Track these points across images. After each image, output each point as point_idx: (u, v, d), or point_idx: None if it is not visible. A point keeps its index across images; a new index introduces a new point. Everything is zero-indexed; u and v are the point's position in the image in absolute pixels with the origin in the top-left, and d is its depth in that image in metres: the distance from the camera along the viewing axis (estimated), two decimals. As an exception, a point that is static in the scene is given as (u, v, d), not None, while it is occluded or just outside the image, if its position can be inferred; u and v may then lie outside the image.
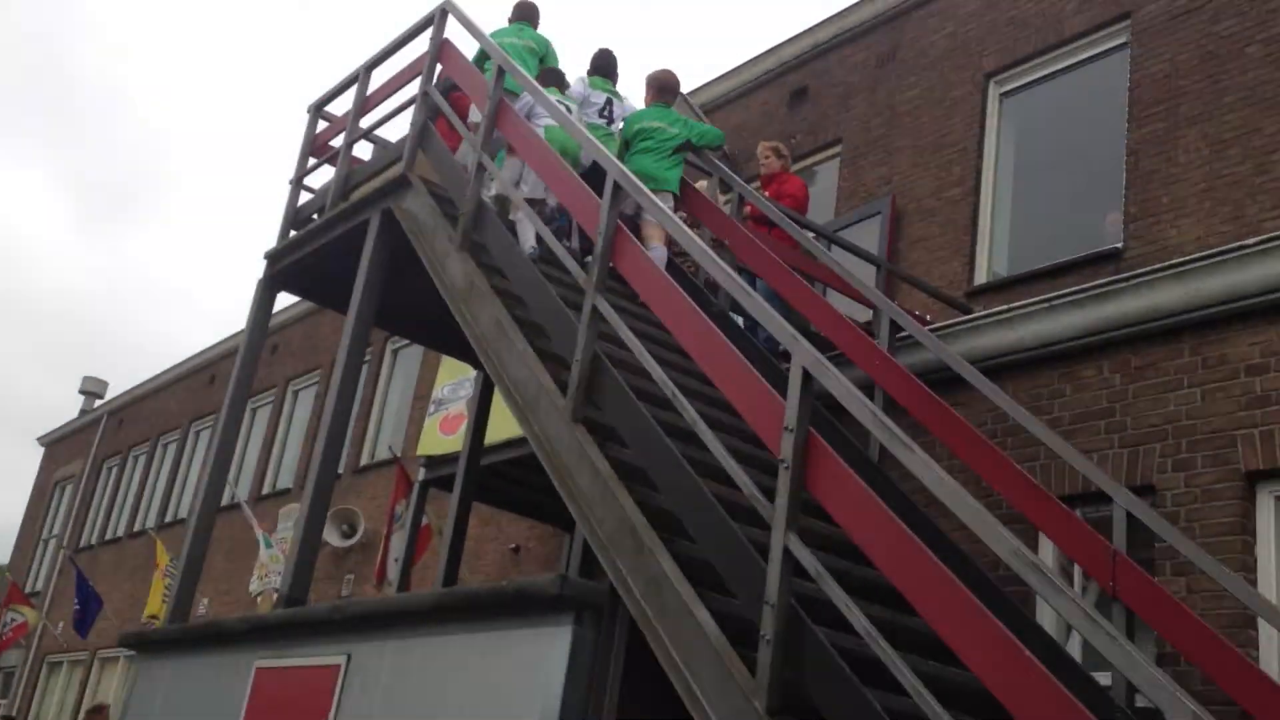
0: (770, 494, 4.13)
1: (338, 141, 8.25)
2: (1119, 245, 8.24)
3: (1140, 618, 4.62)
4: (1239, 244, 5.19)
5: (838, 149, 11.34)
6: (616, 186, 5.25)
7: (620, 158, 7.58)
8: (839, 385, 3.91)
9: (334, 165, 8.05)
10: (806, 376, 3.97)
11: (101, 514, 24.54)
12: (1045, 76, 9.71)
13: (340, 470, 16.73)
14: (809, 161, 11.53)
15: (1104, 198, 8.78)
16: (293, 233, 8.24)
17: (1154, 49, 8.70)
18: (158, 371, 24.51)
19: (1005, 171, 9.83)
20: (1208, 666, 4.31)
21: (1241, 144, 7.77)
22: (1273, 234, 5.11)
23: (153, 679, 7.29)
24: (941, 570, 3.46)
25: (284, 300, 22.92)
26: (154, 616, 17.24)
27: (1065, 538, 5.00)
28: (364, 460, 16.76)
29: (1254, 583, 4.93)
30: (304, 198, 8.51)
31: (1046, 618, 5.67)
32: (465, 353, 8.74)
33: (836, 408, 5.32)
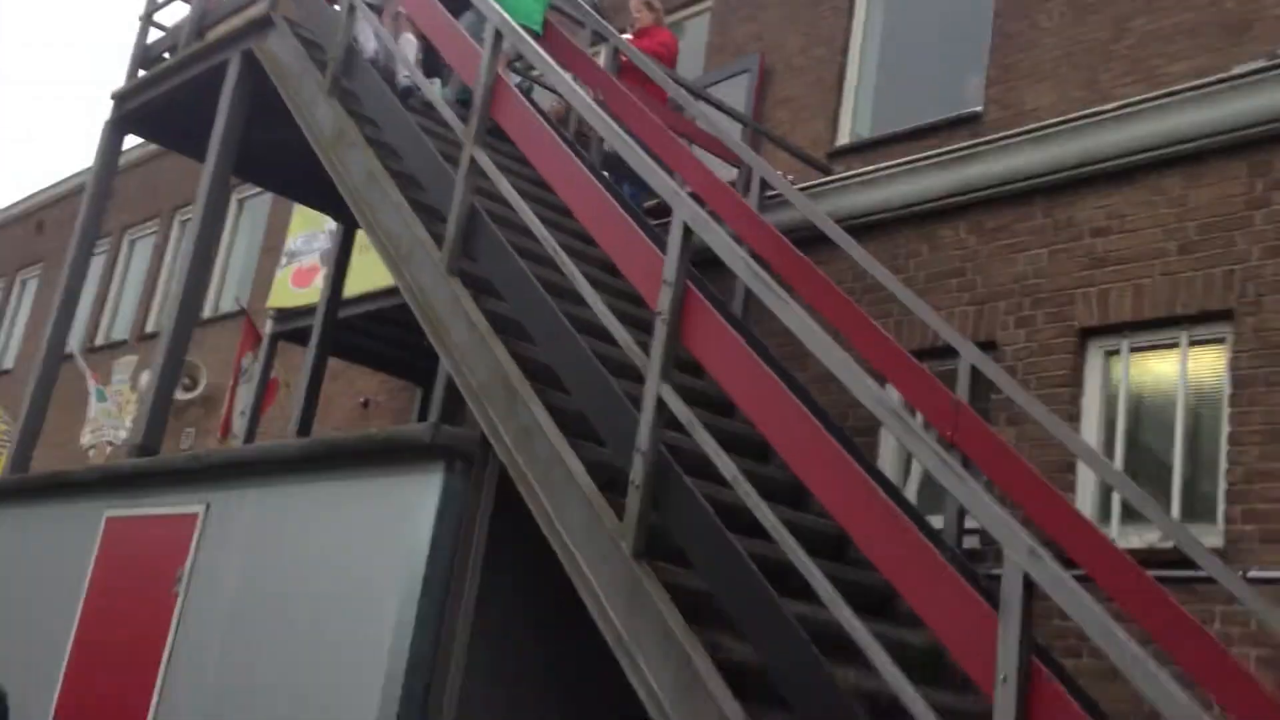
0: (646, 348, 4.24)
1: (189, -25, 7.79)
2: (978, 109, 8.46)
3: (975, 464, 4.95)
4: (1097, 109, 5.42)
5: (708, 3, 11.23)
6: (499, 35, 5.15)
7: None
8: (718, 240, 4.00)
9: (187, 1, 7.62)
10: (687, 231, 4.04)
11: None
12: (916, -65, 9.73)
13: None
14: (679, 15, 11.37)
15: (969, 61, 8.95)
16: (142, 72, 7.81)
17: (1023, -88, 8.79)
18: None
19: (874, 32, 9.90)
20: (1031, 509, 4.67)
21: (1103, 10, 7.98)
22: (1128, 99, 5.35)
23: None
24: (810, 420, 3.64)
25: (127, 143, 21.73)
26: None
27: (912, 388, 5.28)
28: (207, 312, 16.25)
29: (1078, 431, 5.31)
30: (153, 36, 8.05)
31: (886, 465, 6.02)
32: (327, 204, 8.55)
33: (704, 264, 5.48)
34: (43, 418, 7.44)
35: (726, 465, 3.81)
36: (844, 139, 9.50)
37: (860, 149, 9.21)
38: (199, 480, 5.49)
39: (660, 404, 3.97)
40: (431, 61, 7.27)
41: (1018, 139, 5.67)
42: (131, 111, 7.72)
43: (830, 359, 3.55)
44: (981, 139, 5.87)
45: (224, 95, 6.80)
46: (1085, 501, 5.25)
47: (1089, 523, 4.74)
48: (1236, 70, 5.96)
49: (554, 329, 4.69)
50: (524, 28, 6.93)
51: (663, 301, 4.05)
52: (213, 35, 7.38)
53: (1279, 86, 4.95)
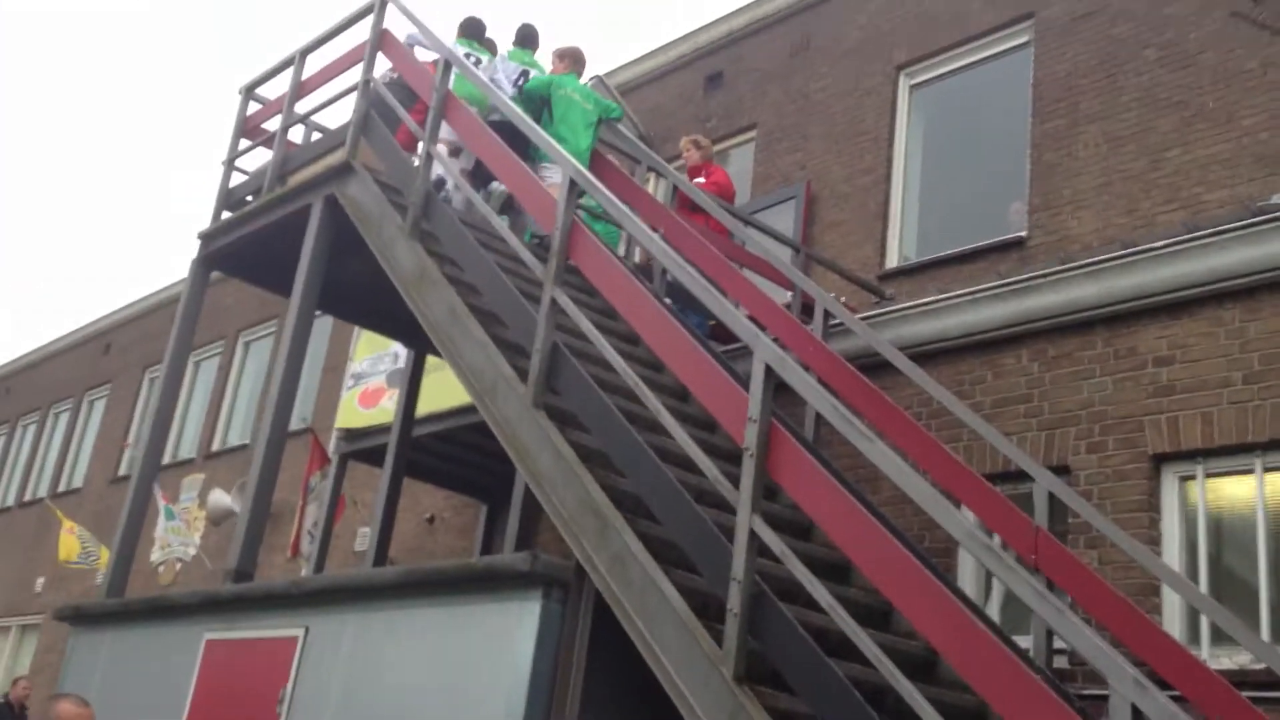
0: (730, 478, 4.47)
1: (271, 125, 8.28)
2: (1023, 234, 8.76)
3: (1059, 586, 5.10)
4: (1147, 246, 5.67)
5: (753, 134, 11.69)
6: (573, 184, 5.49)
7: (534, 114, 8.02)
8: (800, 380, 4.24)
9: (269, 148, 8.09)
10: (769, 371, 4.29)
11: (-10, 482, 23.88)
12: (954, 70, 10.18)
13: (247, 441, 16.67)
14: (724, 145, 11.85)
15: (1008, 188, 9.29)
16: (226, 214, 8.26)
17: (1056, 48, 9.22)
18: (49, 339, 23.92)
19: (914, 160, 10.30)
20: (1119, 631, 4.79)
21: (1137, 141, 8.33)
22: (1177, 237, 5.60)
23: (91, 652, 7.34)
24: (898, 548, 3.84)
25: (179, 271, 22.35)
26: (69, 561, 16.98)
27: (989, 513, 5.45)
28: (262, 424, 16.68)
29: (1159, 554, 5.45)
30: (235, 178, 8.52)
31: (966, 585, 6.15)
32: (401, 332, 8.91)
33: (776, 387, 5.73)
34: (137, 539, 7.70)
35: (822, 594, 3.99)
36: (892, 262, 9.81)
37: (909, 272, 9.52)
38: (298, 604, 5.71)
39: (753, 535, 4.18)
40: (479, 173, 7.70)
41: (1071, 273, 5.93)
42: (217, 250, 8.14)
43: (918, 493, 3.76)
44: (1036, 272, 6.13)
45: (308, 237, 7.18)
46: (1173, 624, 5.37)
47: (1179, 644, 4.84)
48: (1275, 199, 6.23)
49: (640, 460, 4.92)
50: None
51: (749, 438, 4.28)
52: (294, 179, 7.81)
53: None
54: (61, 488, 21.04)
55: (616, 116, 8.83)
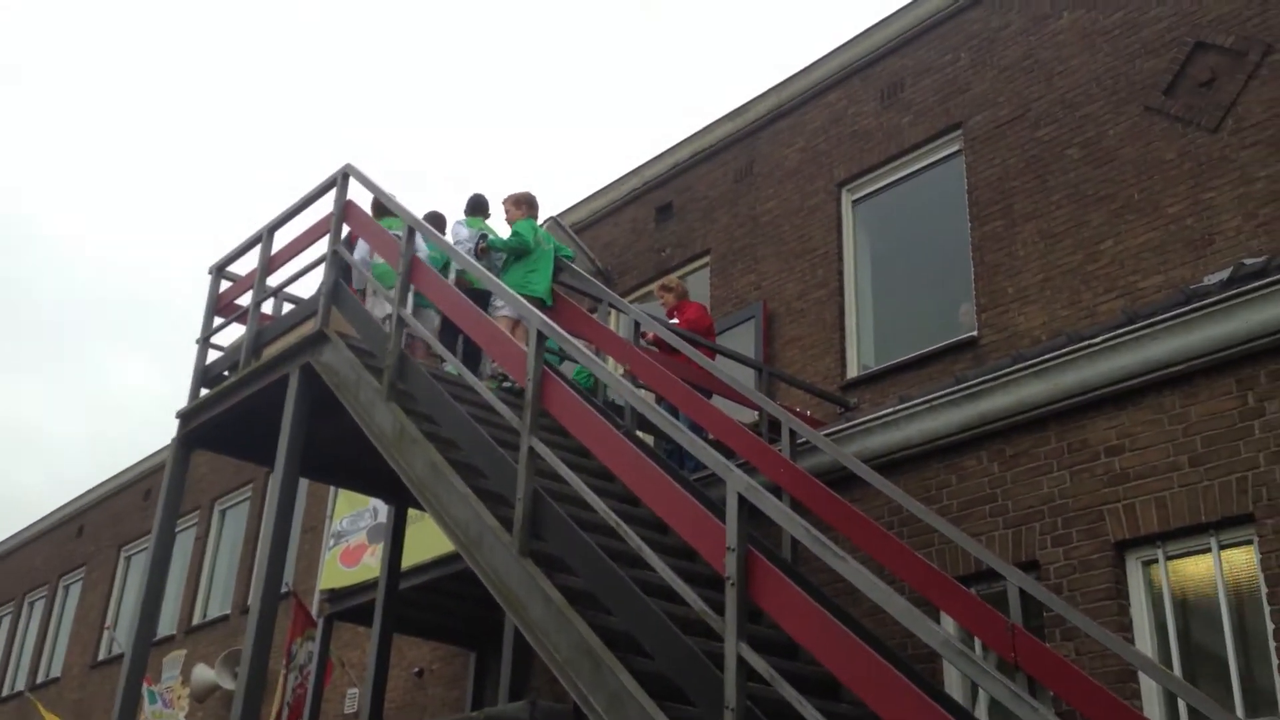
0: (712, 605, 4.64)
1: (243, 300, 8.54)
2: (974, 334, 9.11)
3: (1040, 683, 5.25)
4: (1087, 342, 5.97)
5: (706, 259, 12.10)
6: (540, 335, 5.75)
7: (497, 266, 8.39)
8: (773, 507, 4.45)
9: (242, 323, 8.33)
10: (742, 501, 4.50)
11: (-36, 679, 23.36)
12: (892, 183, 10.65)
13: (227, 611, 16.54)
14: (681, 272, 12.22)
15: (955, 290, 9.68)
16: (203, 391, 8.46)
17: (985, 155, 9.71)
18: (17, 528, 23.67)
19: (864, 270, 10.68)
20: (1103, 720, 4.94)
21: (1072, 236, 8.74)
22: (1112, 332, 5.91)
23: None
24: (880, 663, 4.00)
25: (154, 444, 22.33)
26: None
27: (966, 616, 5.62)
28: (252, 598, 16.58)
29: (1131, 640, 5.62)
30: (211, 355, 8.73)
31: (953, 688, 6.27)
32: (385, 491, 9.05)
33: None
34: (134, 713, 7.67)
35: (811, 714, 4.13)
36: (853, 371, 10.11)
37: (870, 380, 9.82)
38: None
39: (742, 661, 4.33)
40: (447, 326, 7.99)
41: (1020, 373, 6.22)
42: (197, 428, 8.31)
43: (894, 607, 3.94)
44: (986, 376, 6.41)
45: (287, 406, 7.37)
46: (1152, 707, 5.50)
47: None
48: (1207, 280, 6.58)
49: (626, 597, 5.08)
50: (531, 299, 7.73)
51: (729, 567, 4.46)
52: (269, 351, 8.04)
53: (1249, 309, 5.51)
54: (40, 678, 20.65)
55: (568, 256, 9.22)
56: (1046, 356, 6.03)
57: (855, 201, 10.93)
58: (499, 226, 9.24)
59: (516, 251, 8.59)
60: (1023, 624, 5.49)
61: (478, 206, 9.42)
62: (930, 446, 6.66)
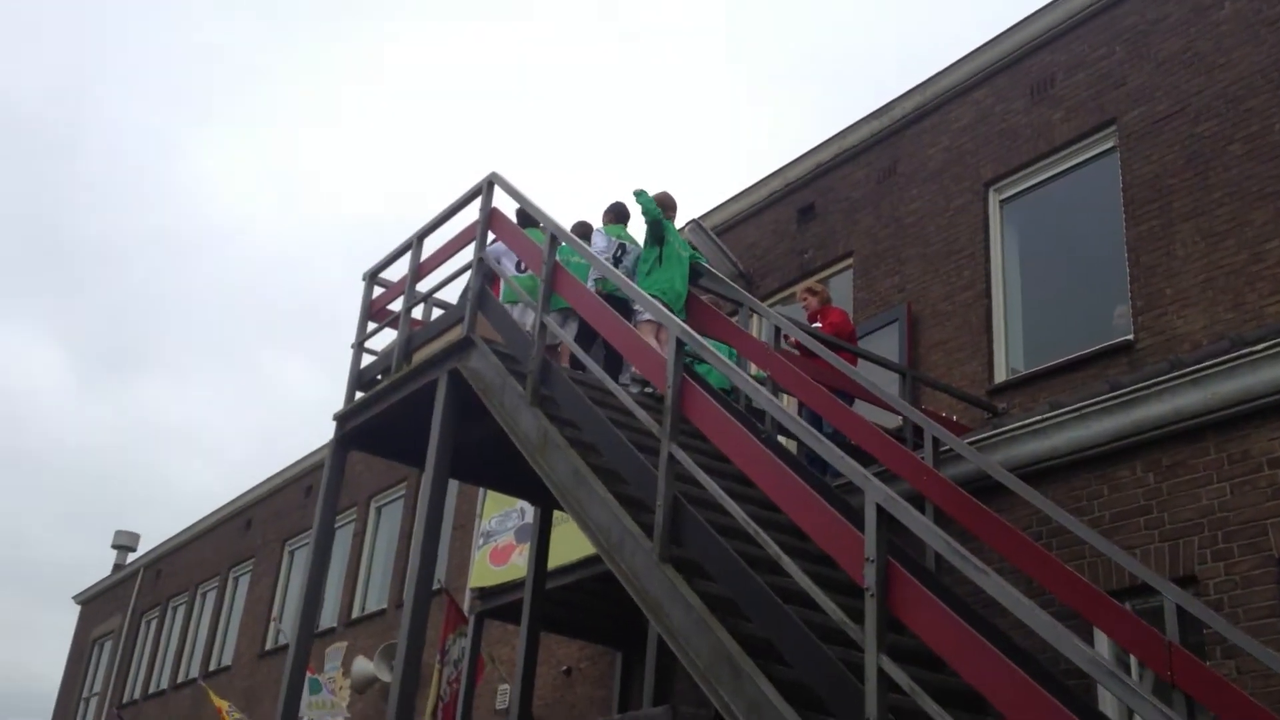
0: (851, 614, 4.61)
1: (394, 306, 8.84)
2: (1129, 337, 8.79)
3: (1199, 702, 5.05)
4: (1249, 349, 5.71)
5: (849, 261, 11.96)
6: (680, 343, 5.81)
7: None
8: (912, 519, 4.40)
9: (394, 329, 8.63)
10: (881, 511, 4.46)
11: (144, 667, 24.71)
12: (1041, 182, 10.36)
13: (384, 606, 17.11)
14: (823, 275, 12.13)
15: (1110, 291, 9.36)
16: (359, 394, 8.79)
17: (1141, 152, 9.36)
18: (191, 522, 24.92)
19: (1013, 272, 10.42)
20: (1266, 742, 4.73)
21: (1235, 235, 8.37)
22: (1276, 339, 5.64)
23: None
24: (1024, 679, 3.92)
25: (314, 442, 23.30)
26: None
27: (1119, 631, 5.45)
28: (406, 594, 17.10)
29: (1297, 660, 5.36)
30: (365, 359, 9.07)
31: (1108, 706, 6.07)
32: (529, 493, 9.25)
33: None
34: (296, 714, 8.02)
35: (952, 729, 4.07)
36: (1001, 376, 9.87)
37: (1018, 384, 9.57)
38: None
39: (882, 673, 4.30)
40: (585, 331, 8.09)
41: (1176, 381, 5.99)
42: (352, 430, 8.65)
43: (1036, 621, 3.85)
44: (1141, 384, 6.19)
45: (436, 410, 7.62)
46: (1316, 730, 5.24)
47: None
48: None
49: (766, 605, 5.09)
50: (665, 304, 7.76)
51: (869, 578, 4.43)
52: (419, 356, 8.31)
53: None
54: (213, 666, 21.69)
55: (699, 260, 9.24)
56: (1206, 363, 5.79)
57: (1003, 201, 10.67)
58: (639, 234, 9.33)
59: (651, 229, 8.58)
60: (1180, 641, 5.30)
61: (619, 215, 9.51)
62: (1081, 456, 6.47)
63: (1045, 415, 6.60)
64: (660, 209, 8.81)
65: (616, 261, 8.73)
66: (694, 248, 9.56)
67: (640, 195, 8.63)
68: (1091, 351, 9.03)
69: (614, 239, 9.01)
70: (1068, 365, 9.16)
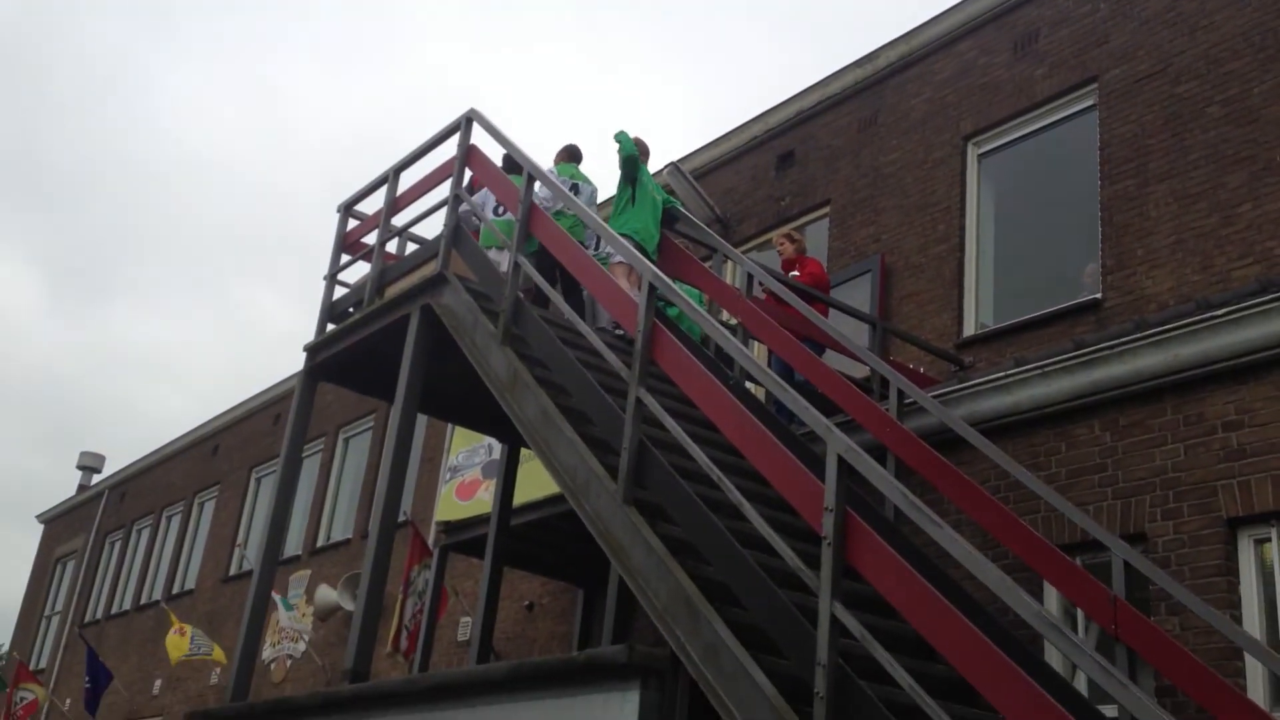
0: (809, 560, 4.70)
1: (369, 239, 8.80)
2: (1098, 296, 8.88)
3: (1140, 656, 5.20)
4: (1211, 313, 5.80)
5: (826, 209, 11.97)
6: (652, 287, 5.83)
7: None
8: (871, 470, 4.48)
9: (367, 261, 8.60)
10: (841, 462, 4.54)
11: (106, 588, 24.78)
12: (1020, 138, 10.37)
13: (349, 535, 17.21)
14: (799, 222, 12.14)
15: (1081, 250, 9.43)
16: (330, 326, 8.77)
17: (1120, 111, 9.38)
18: (158, 445, 24.86)
19: (987, 227, 10.47)
20: (1202, 699, 4.87)
21: (1208, 198, 8.43)
22: (1239, 304, 5.73)
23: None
24: (971, 630, 4.02)
25: (285, 369, 23.20)
26: (182, 658, 17.54)
27: (1068, 585, 5.58)
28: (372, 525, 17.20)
29: (1239, 619, 5.51)
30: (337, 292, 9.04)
31: (1054, 657, 6.23)
32: (498, 430, 9.30)
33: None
34: (259, 640, 8.10)
35: (901, 675, 4.18)
36: (970, 330, 9.95)
37: (986, 339, 9.66)
38: (413, 702, 6.03)
39: (834, 620, 4.40)
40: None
41: (1138, 342, 6.07)
42: (323, 361, 8.65)
43: (985, 574, 3.95)
44: (1104, 344, 6.27)
45: (407, 345, 7.62)
46: (1256, 688, 5.41)
47: (1264, 711, 4.90)
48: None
49: (725, 549, 5.18)
50: (637, 245, 7.77)
51: (826, 527, 4.51)
52: (392, 291, 8.29)
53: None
54: (176, 589, 21.79)
55: (674, 205, 9.25)
56: (1169, 325, 5.88)
57: (981, 155, 10.68)
58: (593, 176, 9.39)
59: (625, 168, 8.60)
60: (1126, 597, 5.43)
61: (571, 155, 9.62)
62: (1040, 413, 6.57)
63: (1009, 371, 6.69)
64: (645, 154, 8.82)
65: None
66: (671, 193, 9.56)
67: (620, 135, 8.61)
68: (1059, 309, 9.11)
69: (567, 179, 9.05)
70: (1035, 322, 9.24)
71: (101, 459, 28.71)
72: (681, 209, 9.27)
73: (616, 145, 8.57)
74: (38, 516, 30.19)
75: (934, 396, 6.89)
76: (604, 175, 9.75)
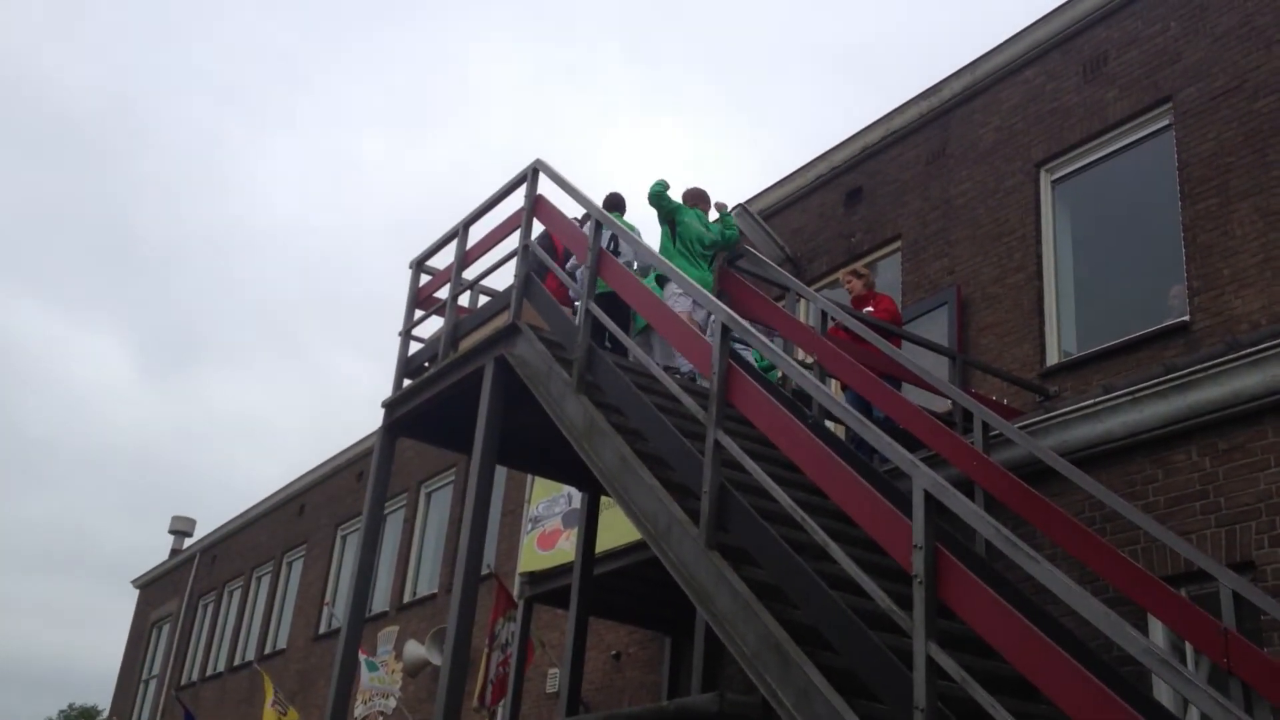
0: (899, 600, 4.57)
1: (441, 293, 8.87)
2: (1186, 318, 8.63)
3: (1256, 690, 4.95)
4: (1308, 332, 5.59)
5: (897, 244, 11.84)
6: (726, 329, 5.77)
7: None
8: (960, 504, 4.35)
9: (440, 316, 8.66)
10: (929, 497, 4.41)
11: (201, 650, 25.13)
12: (1094, 161, 10.18)
13: (434, 590, 17.25)
14: (871, 258, 12.02)
15: (1164, 273, 9.19)
16: (406, 381, 8.84)
17: (1198, 129, 9.16)
18: (246, 507, 25.24)
19: (1065, 253, 10.26)
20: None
21: (1292, 217, 8.17)
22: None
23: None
24: (1076, 667, 3.86)
25: (367, 427, 23.62)
26: None
27: (1174, 618, 5.36)
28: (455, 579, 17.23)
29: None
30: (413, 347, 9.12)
31: (1162, 693, 5.98)
32: (576, 479, 9.27)
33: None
34: (349, 697, 8.11)
35: (1003, 716, 4.02)
36: (1053, 359, 9.73)
37: (1071, 367, 9.43)
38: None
39: (931, 661, 4.25)
40: None
41: (1234, 363, 5.86)
42: (401, 417, 8.71)
43: (1088, 609, 3.79)
44: (1196, 367, 6.07)
45: (483, 397, 7.64)
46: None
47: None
48: None
49: (813, 591, 5.05)
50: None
51: (917, 565, 4.39)
52: (465, 343, 8.33)
53: None
54: (268, 649, 22.00)
55: (733, 240, 9.23)
56: (1264, 345, 5.66)
57: (1055, 182, 10.50)
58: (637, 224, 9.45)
59: (658, 213, 8.63)
60: (1237, 628, 5.20)
61: (613, 204, 9.70)
62: (1134, 440, 6.36)
63: (1098, 399, 6.49)
64: (678, 201, 8.93)
65: (615, 252, 8.79)
66: (735, 227, 9.53)
67: (654, 184, 8.80)
68: (1146, 333, 8.88)
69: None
70: (1121, 348, 9.01)
71: (192, 523, 29.22)
72: (749, 248, 9.24)
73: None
74: (133, 581, 30.81)
75: (1020, 428, 6.71)
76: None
